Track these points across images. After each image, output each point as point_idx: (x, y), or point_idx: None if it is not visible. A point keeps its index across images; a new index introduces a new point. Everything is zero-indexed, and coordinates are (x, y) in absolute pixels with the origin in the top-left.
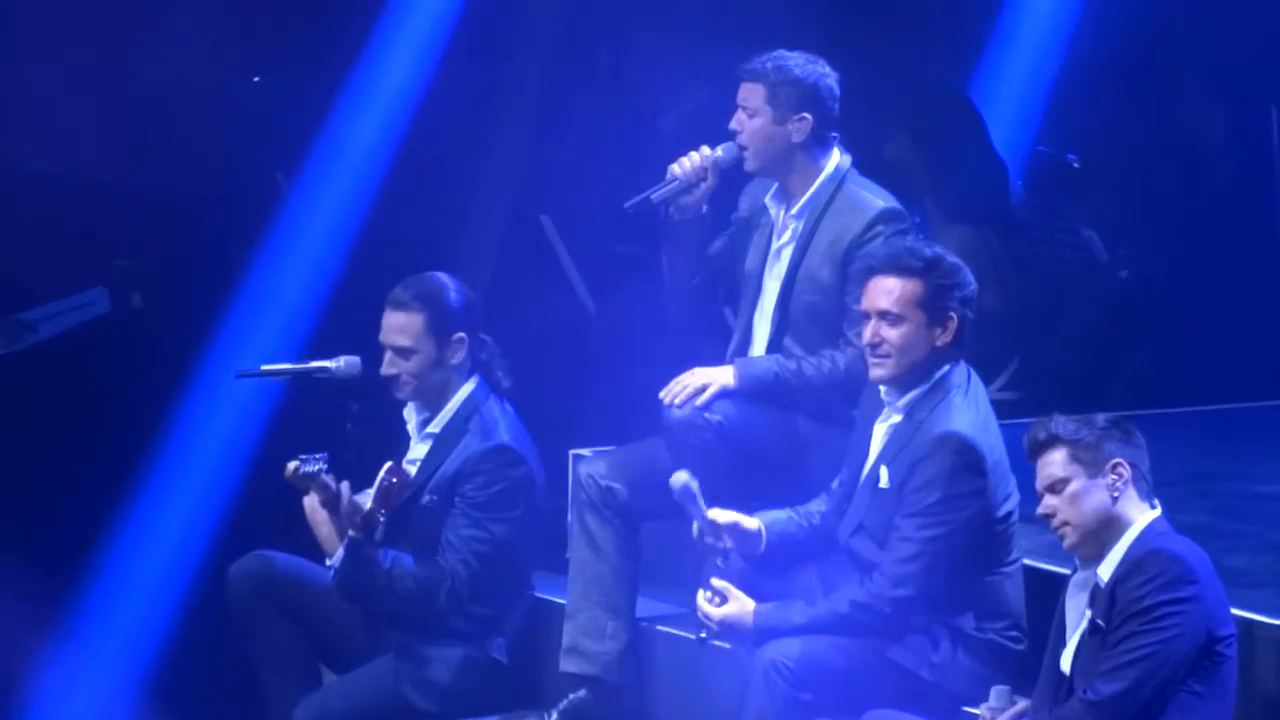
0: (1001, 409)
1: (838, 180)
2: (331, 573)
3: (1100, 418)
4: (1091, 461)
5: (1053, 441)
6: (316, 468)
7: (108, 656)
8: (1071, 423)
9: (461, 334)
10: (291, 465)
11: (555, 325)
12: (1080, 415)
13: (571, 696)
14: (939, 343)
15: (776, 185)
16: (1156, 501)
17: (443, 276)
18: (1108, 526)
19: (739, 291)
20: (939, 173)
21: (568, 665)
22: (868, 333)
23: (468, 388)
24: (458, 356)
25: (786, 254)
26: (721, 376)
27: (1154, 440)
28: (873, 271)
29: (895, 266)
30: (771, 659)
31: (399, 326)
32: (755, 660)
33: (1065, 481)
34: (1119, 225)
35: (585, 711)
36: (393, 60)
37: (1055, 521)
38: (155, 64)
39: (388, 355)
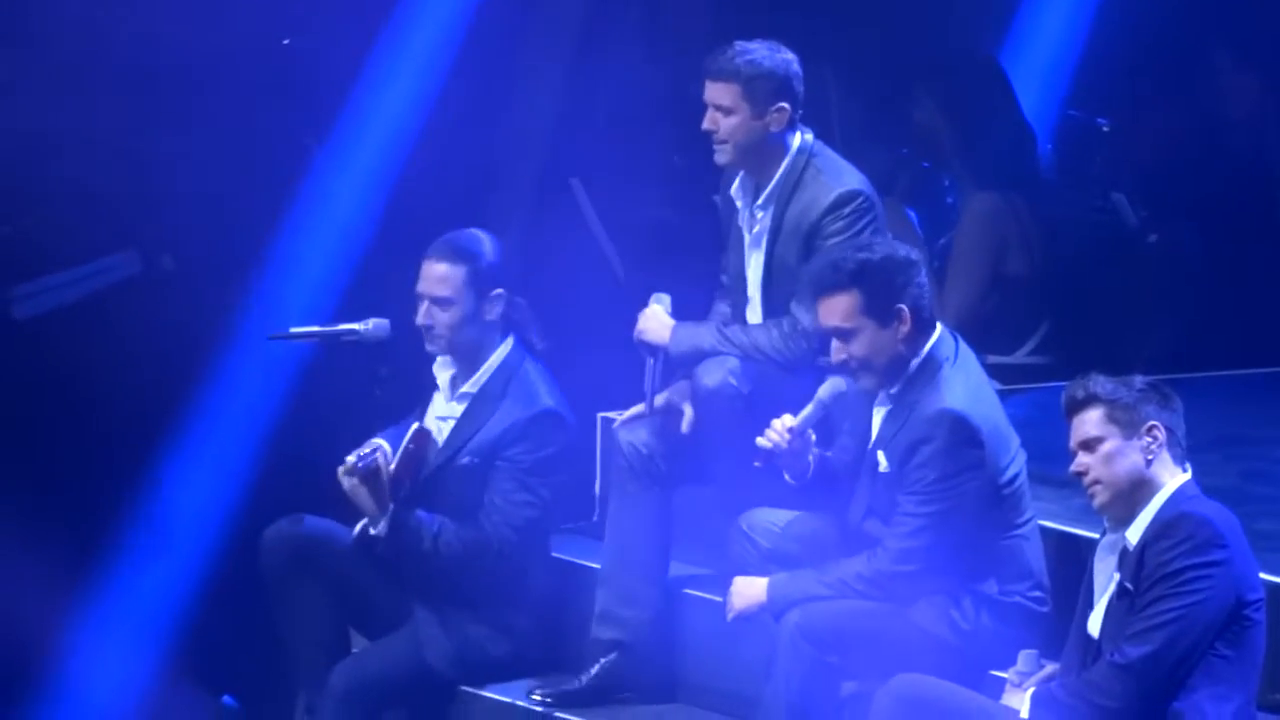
0: (1030, 373)
1: (802, 162)
2: (353, 534)
3: (1138, 380)
4: (1128, 422)
5: (1091, 400)
6: (370, 462)
7: (135, 621)
8: (1110, 383)
9: (499, 290)
10: (349, 461)
11: (583, 288)
12: (1119, 377)
13: (603, 661)
14: (900, 335)
15: (741, 175)
16: (1188, 465)
17: (481, 234)
18: (1139, 488)
19: (734, 294)
20: (967, 137)
21: (600, 631)
22: (833, 353)
23: (504, 348)
24: (494, 313)
25: (761, 246)
26: (660, 339)
27: (1183, 404)
28: (814, 295)
29: (827, 286)
30: (798, 623)
31: (440, 277)
32: (782, 624)
33: (1100, 440)
34: (1148, 189)
35: (617, 676)
36: (423, 22)
37: (1087, 480)
38: (183, 27)
39: (424, 305)
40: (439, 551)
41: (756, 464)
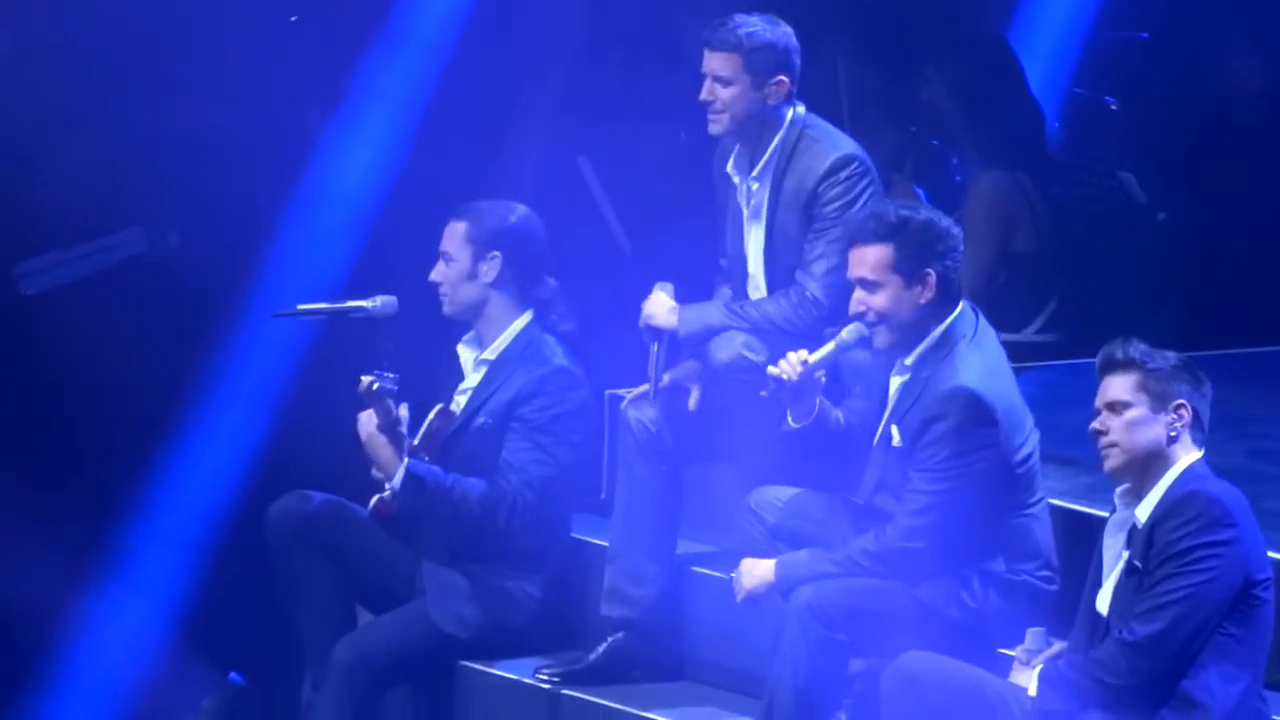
0: (1037, 351)
1: (795, 133)
2: (369, 506)
3: (1172, 355)
4: (1159, 395)
5: (1128, 364)
6: (389, 387)
7: (143, 597)
8: (1150, 352)
9: (496, 253)
10: (366, 380)
11: (591, 265)
12: (1156, 349)
13: (610, 639)
14: (922, 300)
15: (736, 150)
16: (1203, 446)
17: (515, 205)
18: (1153, 461)
19: (733, 274)
20: (975, 116)
21: (608, 609)
22: (852, 303)
23: (523, 320)
24: (489, 275)
25: (760, 221)
26: (668, 324)
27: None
28: (848, 242)
29: (864, 234)
30: (806, 601)
31: (447, 232)
32: (790, 602)
33: (1127, 405)
34: (1155, 167)
35: (624, 654)
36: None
37: (1105, 440)
38: (190, 1)
39: (438, 263)
40: (454, 507)
41: (763, 393)
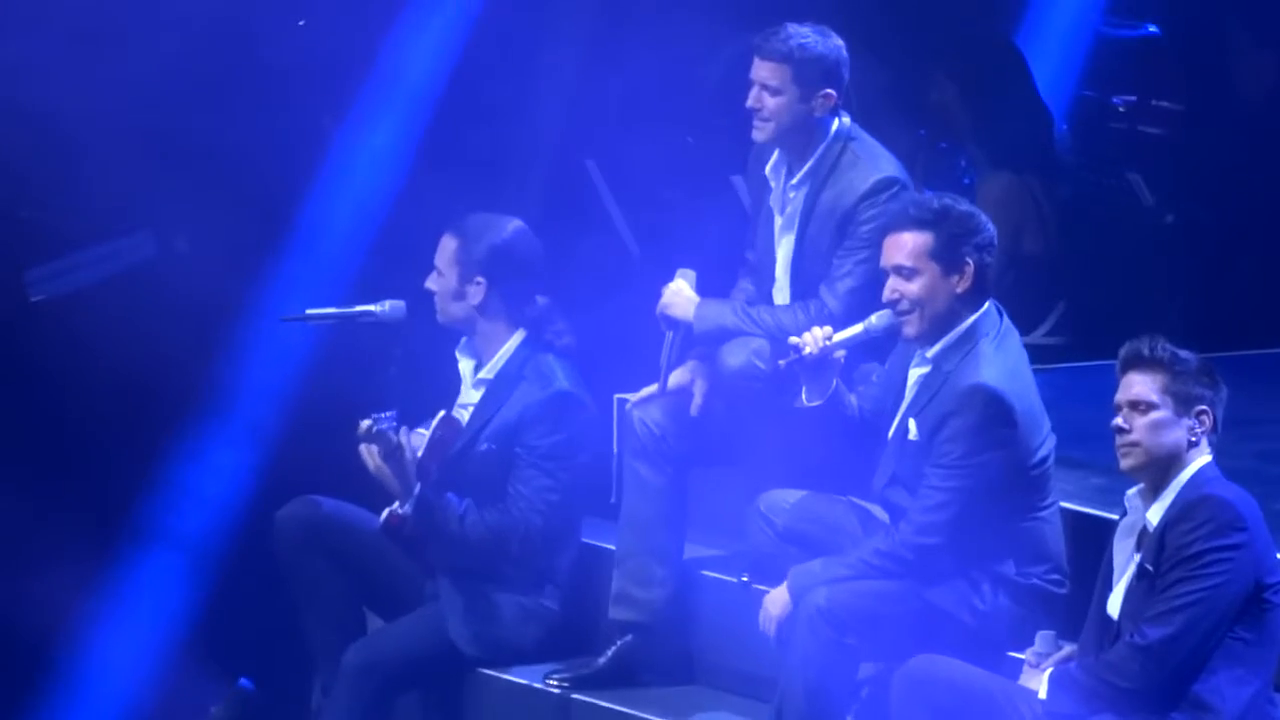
0: (1046, 354)
1: (839, 147)
2: (380, 519)
3: (1193, 357)
4: (1183, 398)
5: (1155, 364)
6: (388, 427)
7: (152, 602)
8: (1177, 353)
9: (481, 279)
10: (365, 424)
11: (599, 270)
12: (1178, 350)
13: (619, 642)
14: (958, 290)
15: (776, 155)
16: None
17: (508, 223)
18: (1171, 464)
19: (760, 273)
20: (984, 118)
21: (617, 613)
22: (886, 290)
23: (516, 339)
24: (475, 298)
25: (793, 228)
26: (685, 315)
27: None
28: (886, 230)
29: (905, 221)
30: (816, 604)
31: (440, 246)
32: (801, 606)
33: (1153, 406)
34: (1163, 169)
35: (633, 657)
36: (440, 4)
37: (1126, 439)
38: (199, 7)
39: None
40: (465, 533)
41: (781, 363)
